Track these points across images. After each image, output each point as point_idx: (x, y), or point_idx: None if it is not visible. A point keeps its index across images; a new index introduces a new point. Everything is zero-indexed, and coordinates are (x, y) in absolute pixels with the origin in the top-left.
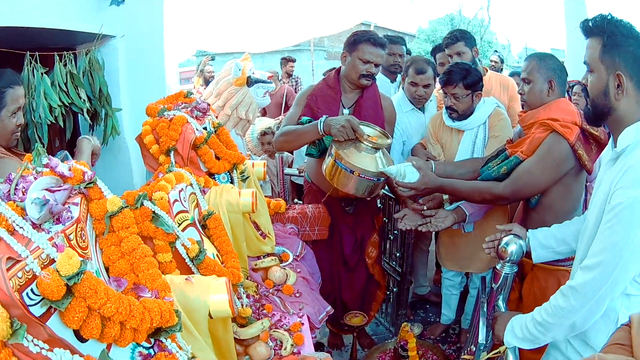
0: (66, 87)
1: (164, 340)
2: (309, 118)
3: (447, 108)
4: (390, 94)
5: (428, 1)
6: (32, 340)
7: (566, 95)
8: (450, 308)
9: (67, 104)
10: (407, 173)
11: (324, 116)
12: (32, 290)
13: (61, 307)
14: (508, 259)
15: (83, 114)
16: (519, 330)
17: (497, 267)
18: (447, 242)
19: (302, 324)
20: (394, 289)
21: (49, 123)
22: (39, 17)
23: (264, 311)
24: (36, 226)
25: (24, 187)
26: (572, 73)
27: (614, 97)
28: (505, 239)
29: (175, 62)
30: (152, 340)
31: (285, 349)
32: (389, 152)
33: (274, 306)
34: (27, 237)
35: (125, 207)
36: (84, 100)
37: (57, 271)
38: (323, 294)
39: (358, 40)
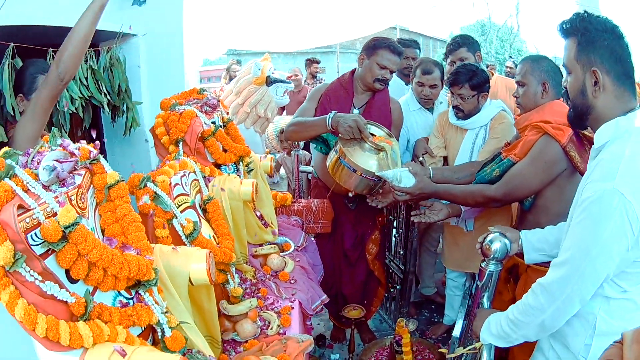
0: (86, 82)
1: (142, 294)
2: (328, 135)
3: (453, 107)
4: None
5: (459, 7)
6: (29, 271)
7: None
8: (453, 309)
9: (86, 97)
10: (403, 178)
11: (333, 111)
12: (35, 234)
13: (56, 247)
14: (492, 256)
15: (103, 107)
16: (494, 327)
17: (482, 264)
18: (450, 241)
19: (292, 307)
20: (397, 287)
21: (71, 112)
22: (63, 16)
23: (259, 294)
24: (45, 187)
25: (39, 159)
26: None
27: (591, 94)
28: (489, 237)
29: (195, 60)
30: (133, 292)
31: (271, 329)
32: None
33: (269, 290)
34: (37, 194)
35: (121, 180)
36: (105, 94)
37: (57, 221)
38: (324, 287)
39: (378, 45)
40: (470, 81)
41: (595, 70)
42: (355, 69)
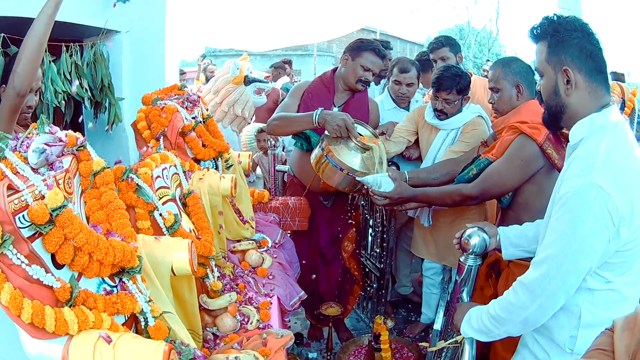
0: (70, 77)
1: (126, 282)
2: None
3: (436, 110)
4: (372, 96)
5: (439, 11)
6: (16, 254)
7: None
8: (430, 307)
9: (69, 92)
10: (383, 183)
11: (320, 109)
12: (23, 216)
13: (43, 230)
14: (470, 250)
15: (84, 103)
16: (474, 321)
17: (461, 259)
18: (424, 230)
19: (271, 303)
20: (374, 285)
21: (54, 106)
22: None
23: (237, 289)
24: (34, 170)
25: (27, 144)
26: None
27: (564, 93)
28: (468, 231)
29: (176, 58)
30: (117, 280)
31: (251, 323)
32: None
33: (247, 286)
34: (26, 176)
35: (107, 167)
36: (86, 89)
37: (45, 204)
38: (301, 285)
39: (363, 47)
40: (457, 86)
41: (566, 69)
42: (336, 68)
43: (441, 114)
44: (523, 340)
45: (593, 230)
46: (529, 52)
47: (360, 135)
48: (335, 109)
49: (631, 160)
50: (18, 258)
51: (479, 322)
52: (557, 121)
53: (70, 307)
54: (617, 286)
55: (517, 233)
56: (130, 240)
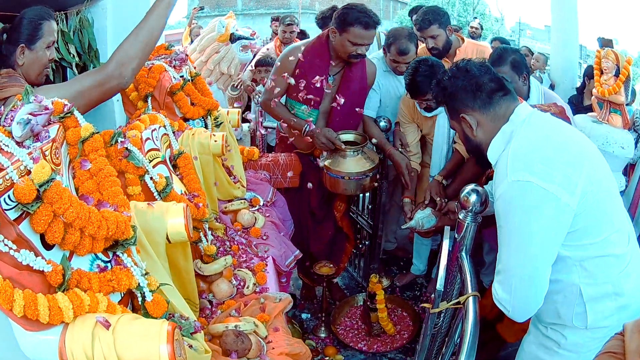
0: (57, 44)
1: (120, 255)
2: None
3: (423, 108)
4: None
5: None
6: (3, 240)
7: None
8: (420, 258)
9: (57, 59)
10: (425, 222)
11: (307, 125)
12: (9, 196)
13: (30, 209)
14: (470, 208)
15: (72, 68)
16: None
17: (460, 216)
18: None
19: (266, 264)
20: (366, 243)
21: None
22: None
23: (231, 251)
24: (19, 144)
25: (12, 117)
26: (558, 48)
27: (472, 135)
28: (467, 188)
29: None
30: (110, 255)
31: (247, 288)
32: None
33: (241, 247)
34: (10, 152)
35: (96, 132)
36: (73, 55)
37: (31, 179)
38: (293, 244)
39: (349, 22)
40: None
41: (463, 116)
42: (329, 32)
43: (428, 109)
44: (534, 320)
45: (529, 220)
46: (513, 11)
47: (348, 142)
48: (331, 79)
49: (550, 139)
50: (6, 245)
51: None
52: (484, 157)
53: (63, 291)
54: (605, 251)
55: None
56: (123, 210)
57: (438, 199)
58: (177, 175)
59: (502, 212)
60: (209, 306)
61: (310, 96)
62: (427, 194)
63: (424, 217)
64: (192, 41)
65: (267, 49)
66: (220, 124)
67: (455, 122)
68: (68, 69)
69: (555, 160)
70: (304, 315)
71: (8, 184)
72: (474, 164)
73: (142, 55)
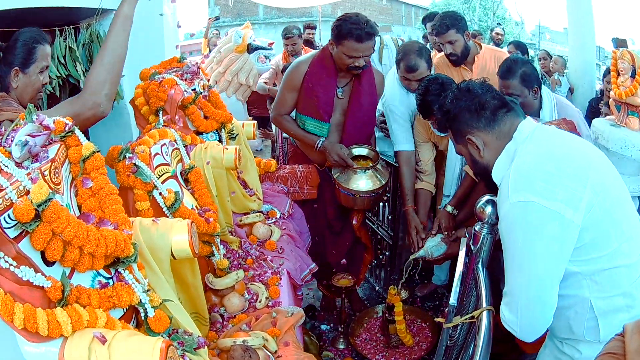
0: (64, 60)
1: (122, 272)
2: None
3: (434, 127)
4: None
5: None
6: (3, 257)
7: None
8: (441, 269)
9: (64, 76)
10: (434, 251)
11: (320, 140)
12: (8, 215)
13: (29, 228)
14: (486, 220)
15: (79, 85)
16: None
17: (476, 228)
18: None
19: (280, 278)
20: (386, 253)
21: (48, 93)
22: None
23: (245, 265)
24: (19, 165)
25: (13, 137)
26: (576, 50)
27: (479, 157)
28: (483, 199)
29: (174, 34)
30: (112, 271)
31: (260, 302)
32: None
33: (255, 261)
34: (10, 173)
35: (97, 151)
36: (81, 72)
37: (30, 199)
38: (310, 255)
39: (343, 35)
40: (439, 110)
41: (469, 137)
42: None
43: (441, 130)
44: (550, 334)
45: (532, 241)
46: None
47: (360, 156)
48: (339, 91)
49: (552, 153)
50: (6, 261)
51: None
52: (490, 179)
53: (62, 306)
54: (615, 262)
55: None
56: (123, 228)
57: (446, 233)
58: (189, 189)
59: (505, 233)
60: (220, 320)
61: (320, 110)
62: (435, 225)
63: (433, 246)
64: (210, 51)
65: (273, 66)
66: (236, 136)
67: (461, 146)
68: (77, 84)
69: (557, 176)
70: (323, 327)
71: (7, 204)
72: (483, 188)
73: (111, 78)
